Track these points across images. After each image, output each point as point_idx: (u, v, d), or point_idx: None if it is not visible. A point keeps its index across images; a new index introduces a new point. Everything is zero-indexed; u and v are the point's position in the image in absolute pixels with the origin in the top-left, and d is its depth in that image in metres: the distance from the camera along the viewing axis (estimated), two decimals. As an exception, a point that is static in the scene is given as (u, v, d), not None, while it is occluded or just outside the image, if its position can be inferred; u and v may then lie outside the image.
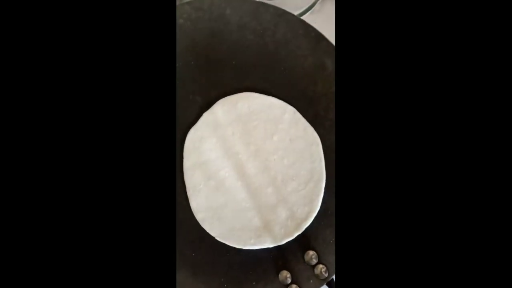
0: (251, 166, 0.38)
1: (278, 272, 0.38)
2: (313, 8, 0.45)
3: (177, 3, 0.39)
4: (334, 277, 0.38)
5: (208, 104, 0.39)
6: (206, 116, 0.39)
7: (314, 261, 0.37)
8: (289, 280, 0.37)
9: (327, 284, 0.38)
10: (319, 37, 0.38)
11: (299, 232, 0.38)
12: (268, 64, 0.39)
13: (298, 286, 0.37)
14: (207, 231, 0.38)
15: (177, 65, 0.39)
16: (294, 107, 0.39)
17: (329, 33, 0.38)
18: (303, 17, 0.41)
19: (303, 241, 0.38)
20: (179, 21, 0.39)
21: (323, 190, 0.38)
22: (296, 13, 0.42)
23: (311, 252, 0.37)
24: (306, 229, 0.38)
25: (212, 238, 0.38)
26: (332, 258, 0.37)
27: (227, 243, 0.38)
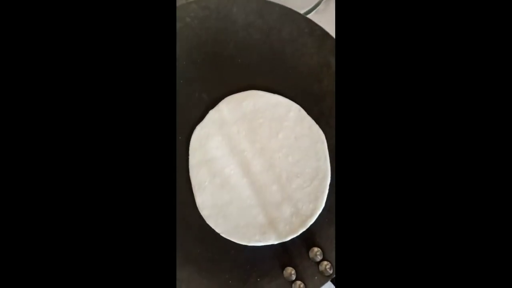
0: (256, 164, 0.39)
1: (282, 268, 0.38)
2: (318, 8, 0.46)
3: (184, 1, 0.39)
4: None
5: (214, 102, 0.40)
6: (212, 114, 0.39)
7: (319, 257, 0.37)
8: (293, 277, 0.37)
9: (331, 281, 0.38)
10: (325, 36, 0.38)
11: (304, 229, 0.38)
12: (274, 62, 0.39)
13: (303, 282, 0.37)
14: (212, 227, 0.38)
15: (183, 63, 0.39)
16: (300, 105, 0.39)
17: (334, 32, 0.38)
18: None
19: (308, 238, 0.38)
20: (186, 19, 0.39)
21: (327, 188, 0.38)
22: (301, 12, 0.43)
23: (315, 249, 0.37)
24: (311, 226, 0.38)
25: (217, 234, 0.38)
26: (336, 255, 0.38)
27: (232, 239, 0.38)
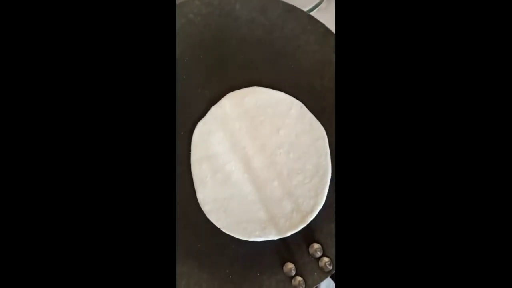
0: (258, 160, 0.39)
1: (282, 264, 0.38)
2: (320, 6, 0.46)
3: (188, -2, 0.40)
4: (338, 270, 0.38)
5: (216, 98, 0.40)
6: (214, 110, 0.40)
7: (319, 253, 0.37)
8: (293, 272, 0.37)
9: (331, 277, 0.38)
10: (327, 33, 0.38)
11: (304, 225, 0.38)
12: (276, 59, 0.40)
13: (303, 278, 0.37)
14: (213, 223, 0.39)
15: (186, 59, 0.40)
16: (301, 101, 0.39)
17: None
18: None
19: (308, 234, 0.38)
20: (189, 16, 0.39)
21: (328, 184, 0.38)
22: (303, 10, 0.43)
23: (316, 245, 0.38)
24: (311, 222, 0.38)
25: (218, 230, 0.39)
26: (336, 251, 0.38)
27: (232, 235, 0.38)
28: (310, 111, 0.39)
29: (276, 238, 0.38)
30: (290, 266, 0.38)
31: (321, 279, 0.38)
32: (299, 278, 0.37)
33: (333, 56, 0.39)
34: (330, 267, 0.37)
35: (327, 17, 0.46)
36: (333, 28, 0.39)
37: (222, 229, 0.39)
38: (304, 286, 0.37)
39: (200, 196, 0.39)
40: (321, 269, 0.37)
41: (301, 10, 0.39)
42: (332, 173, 0.39)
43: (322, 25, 0.38)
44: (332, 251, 0.38)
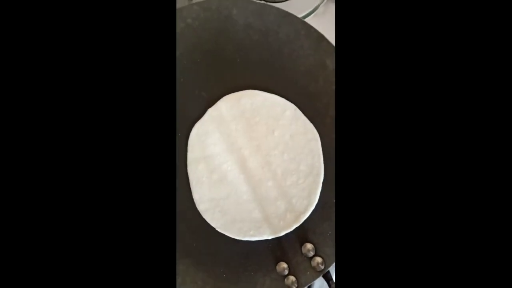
0: (253, 160, 0.40)
1: (276, 263, 0.39)
2: (316, 11, 0.47)
3: (187, 3, 0.41)
4: (330, 269, 0.39)
5: (213, 100, 0.41)
6: (211, 112, 0.41)
7: (312, 253, 0.38)
8: (286, 272, 0.38)
9: (323, 276, 0.39)
10: (320, 38, 0.39)
11: (298, 225, 0.39)
12: (271, 62, 0.40)
13: (295, 277, 0.38)
14: (208, 222, 0.39)
15: (184, 62, 0.41)
16: (295, 104, 0.40)
17: (331, 34, 0.39)
18: (306, 19, 0.43)
19: (301, 234, 0.39)
20: (188, 20, 0.40)
21: (321, 185, 0.39)
22: (299, 15, 0.44)
23: (308, 245, 0.38)
24: (305, 222, 0.39)
25: (214, 229, 0.39)
26: (329, 251, 0.38)
27: (227, 234, 0.39)
28: (304, 113, 0.40)
29: (270, 237, 0.39)
30: (283, 265, 0.38)
31: (314, 278, 0.38)
32: (292, 278, 0.38)
33: (326, 60, 0.39)
34: (322, 267, 0.38)
35: (324, 22, 0.47)
36: (331, 33, 0.40)
37: (217, 229, 0.39)
38: (296, 285, 0.38)
39: (196, 196, 0.40)
40: (314, 268, 0.38)
41: (295, 16, 0.40)
42: (324, 174, 0.39)
43: (315, 30, 0.39)
44: (325, 250, 0.38)
